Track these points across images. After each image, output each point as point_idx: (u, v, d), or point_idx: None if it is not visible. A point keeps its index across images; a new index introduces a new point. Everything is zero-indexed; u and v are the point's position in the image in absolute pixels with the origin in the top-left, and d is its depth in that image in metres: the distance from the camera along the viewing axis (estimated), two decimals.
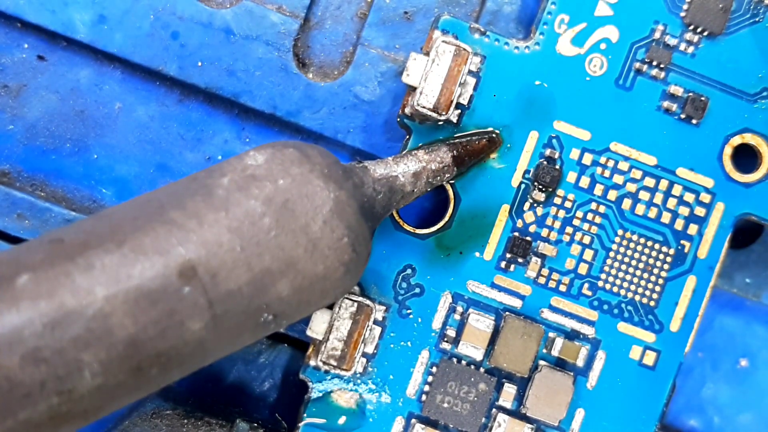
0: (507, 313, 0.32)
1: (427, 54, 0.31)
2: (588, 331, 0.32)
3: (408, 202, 0.30)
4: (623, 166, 0.32)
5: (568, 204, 0.32)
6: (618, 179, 0.32)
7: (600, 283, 0.32)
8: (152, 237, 0.25)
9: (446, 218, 0.32)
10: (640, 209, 0.32)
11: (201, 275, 0.25)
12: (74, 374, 0.23)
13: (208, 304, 0.25)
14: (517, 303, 0.32)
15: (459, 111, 0.31)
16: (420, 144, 0.31)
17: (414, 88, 0.31)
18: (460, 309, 0.32)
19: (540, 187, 0.32)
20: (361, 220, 0.27)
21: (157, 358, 0.24)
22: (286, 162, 0.27)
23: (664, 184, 0.32)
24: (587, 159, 0.32)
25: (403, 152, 0.31)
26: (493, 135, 0.31)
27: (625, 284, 0.32)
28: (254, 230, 0.25)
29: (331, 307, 0.31)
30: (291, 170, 0.26)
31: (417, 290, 0.32)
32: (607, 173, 0.32)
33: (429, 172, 0.30)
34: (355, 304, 0.31)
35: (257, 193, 0.26)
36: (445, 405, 0.32)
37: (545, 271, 0.32)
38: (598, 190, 0.32)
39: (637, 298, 0.32)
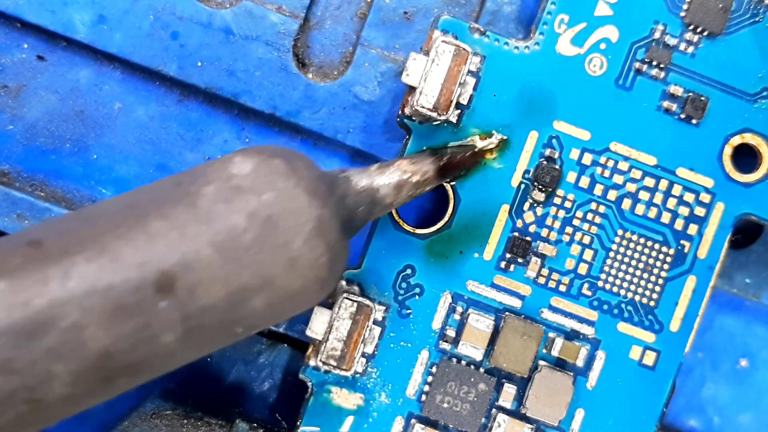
0: (507, 313, 0.32)
1: (427, 54, 0.31)
2: (588, 331, 0.32)
3: (386, 212, 0.30)
4: (623, 166, 0.32)
5: (567, 204, 0.32)
6: (618, 179, 0.32)
7: (600, 283, 0.32)
8: (132, 247, 0.24)
9: (446, 218, 0.32)
10: (639, 209, 0.32)
11: (178, 289, 0.24)
12: (44, 385, 0.23)
13: (183, 319, 0.24)
14: (516, 303, 0.32)
15: (459, 111, 0.31)
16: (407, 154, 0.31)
17: (414, 88, 0.31)
18: (459, 309, 0.32)
19: (540, 187, 0.32)
20: (340, 236, 0.27)
21: (126, 369, 0.24)
22: (272, 174, 0.26)
23: (663, 184, 0.32)
24: (587, 159, 0.32)
25: (387, 162, 0.30)
26: (475, 149, 0.31)
27: (625, 284, 0.32)
28: (235, 246, 0.25)
29: (330, 307, 0.31)
30: (277, 184, 0.26)
31: (417, 290, 0.32)
32: (606, 173, 0.32)
33: (410, 185, 0.29)
34: (355, 304, 0.31)
35: (241, 207, 0.25)
36: (445, 405, 0.32)
37: (545, 271, 0.32)
38: (598, 190, 0.32)
39: (637, 298, 0.32)
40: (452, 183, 0.32)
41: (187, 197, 0.25)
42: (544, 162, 0.32)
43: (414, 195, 0.30)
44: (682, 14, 0.32)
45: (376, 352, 0.32)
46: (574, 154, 0.32)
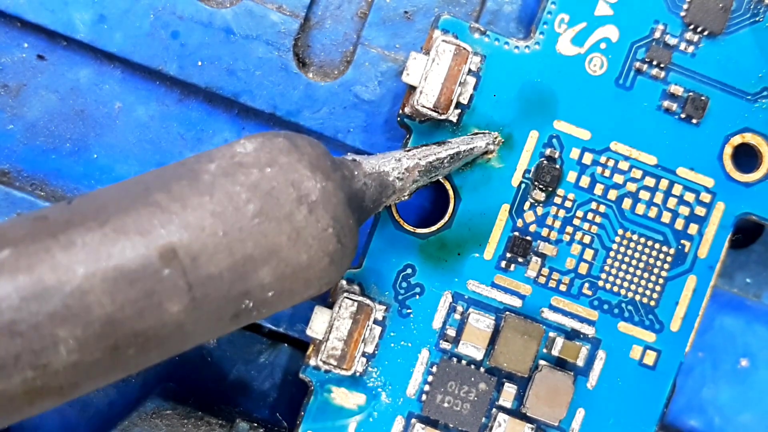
0: (507, 312, 0.32)
1: (428, 53, 0.31)
2: (588, 330, 0.32)
3: (401, 199, 0.30)
4: (623, 165, 0.32)
5: (568, 203, 0.32)
6: (618, 179, 0.32)
7: (600, 283, 0.32)
8: (135, 218, 0.25)
9: (446, 218, 0.32)
10: (640, 209, 0.32)
11: (181, 258, 0.25)
12: (50, 349, 0.23)
13: (188, 287, 0.25)
14: (517, 302, 0.32)
15: (459, 110, 0.31)
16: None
17: (414, 88, 0.31)
18: (460, 308, 0.32)
19: (540, 186, 0.32)
20: (347, 211, 0.27)
21: (134, 338, 0.24)
22: (274, 151, 0.27)
23: (664, 184, 0.32)
24: (587, 158, 0.32)
25: (398, 150, 0.31)
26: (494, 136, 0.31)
27: (626, 284, 0.32)
28: (237, 216, 0.25)
29: (331, 306, 0.31)
30: (279, 159, 0.26)
31: (417, 290, 0.32)
32: (607, 173, 0.32)
33: (420, 167, 0.30)
34: (355, 304, 0.31)
35: (243, 180, 0.26)
36: (445, 405, 0.32)
37: (545, 271, 0.32)
38: (599, 189, 0.32)
39: (638, 297, 0.32)
40: (453, 182, 0.32)
41: (191, 173, 0.26)
42: (545, 161, 0.32)
43: (424, 182, 0.30)
44: (683, 14, 0.32)
45: (376, 352, 0.32)
46: (575, 153, 0.32)
